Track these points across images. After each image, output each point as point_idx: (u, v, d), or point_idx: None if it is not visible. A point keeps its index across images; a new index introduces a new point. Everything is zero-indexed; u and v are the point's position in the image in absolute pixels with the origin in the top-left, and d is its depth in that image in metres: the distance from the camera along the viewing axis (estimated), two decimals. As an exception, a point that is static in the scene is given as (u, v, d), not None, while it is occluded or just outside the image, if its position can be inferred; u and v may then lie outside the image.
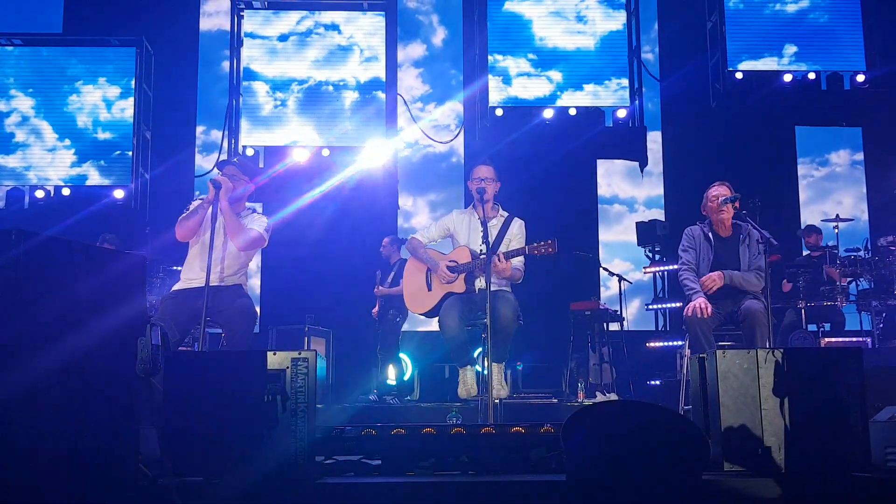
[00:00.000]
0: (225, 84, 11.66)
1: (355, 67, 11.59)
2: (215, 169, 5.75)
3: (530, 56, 11.63)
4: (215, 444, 3.90)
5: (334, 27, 11.70)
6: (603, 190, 12.05)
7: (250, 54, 11.62)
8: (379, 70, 11.59)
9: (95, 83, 11.37)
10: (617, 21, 11.75)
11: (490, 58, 11.60)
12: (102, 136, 11.27)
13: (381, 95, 11.53)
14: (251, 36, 11.65)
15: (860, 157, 12.07)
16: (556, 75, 11.56)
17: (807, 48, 11.63)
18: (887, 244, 8.99)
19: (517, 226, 6.39)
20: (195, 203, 5.78)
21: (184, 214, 5.79)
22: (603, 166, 12.06)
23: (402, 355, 9.69)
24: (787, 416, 4.17)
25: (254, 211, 6.10)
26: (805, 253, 10.01)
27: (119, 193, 11.09)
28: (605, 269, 10.30)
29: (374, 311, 9.45)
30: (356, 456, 4.59)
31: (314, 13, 11.73)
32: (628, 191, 12.42)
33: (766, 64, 11.53)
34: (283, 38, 11.65)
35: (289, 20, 11.71)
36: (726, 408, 4.22)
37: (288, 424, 3.93)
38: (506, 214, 6.41)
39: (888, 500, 3.99)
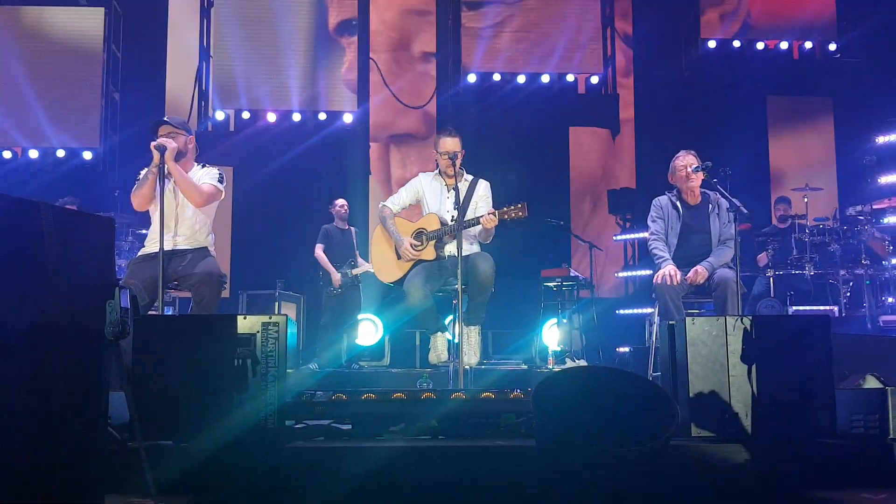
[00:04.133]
0: (194, 46, 11.52)
1: (327, 30, 11.49)
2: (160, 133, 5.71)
3: (502, 20, 11.56)
4: (185, 407, 3.90)
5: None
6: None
7: (220, 15, 11.47)
8: (352, 33, 11.50)
9: (64, 43, 11.20)
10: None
11: (463, 21, 11.53)
12: (71, 97, 11.11)
13: (354, 58, 11.44)
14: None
15: (831, 126, 12.11)
16: (529, 41, 11.50)
17: (778, 17, 11.64)
18: (856, 213, 9.06)
19: (483, 187, 6.40)
20: (144, 172, 5.74)
21: (136, 185, 5.76)
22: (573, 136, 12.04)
23: (373, 318, 9.68)
24: (754, 383, 4.22)
25: (203, 165, 6.06)
26: (773, 223, 10.09)
27: (87, 155, 10.97)
28: (576, 236, 10.33)
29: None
30: (326, 420, 4.60)
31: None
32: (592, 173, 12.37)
33: (739, 33, 11.53)
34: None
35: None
36: (695, 374, 4.26)
37: (258, 388, 3.93)
38: (470, 178, 6.41)
39: (852, 466, 4.05)
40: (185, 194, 5.74)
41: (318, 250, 9.31)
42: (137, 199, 5.76)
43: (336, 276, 9.13)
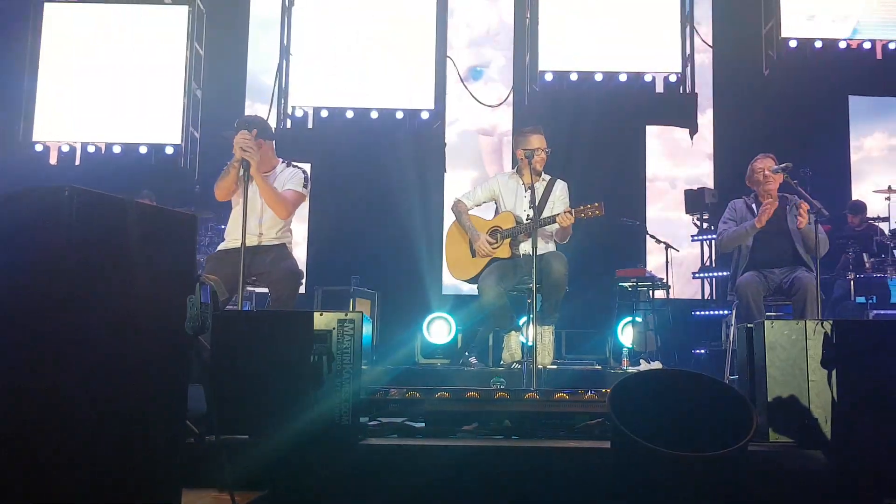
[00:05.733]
0: (276, 44, 11.65)
1: (405, 30, 11.52)
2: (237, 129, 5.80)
3: (579, 18, 11.48)
4: (261, 402, 3.95)
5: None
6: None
7: (302, 14, 11.58)
8: (429, 32, 11.52)
9: (147, 41, 11.40)
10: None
11: (540, 19, 11.47)
12: (153, 94, 11.31)
13: (432, 58, 11.46)
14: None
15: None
16: (607, 39, 11.41)
17: (862, 16, 11.38)
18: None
19: (560, 188, 6.40)
20: (228, 165, 5.84)
21: (220, 176, 5.86)
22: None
23: (446, 316, 9.71)
24: (834, 388, 4.13)
25: (288, 164, 6.13)
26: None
27: (169, 151, 11.17)
28: (652, 236, 10.22)
29: None
30: (400, 418, 4.62)
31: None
32: (670, 169, 12.20)
33: (821, 32, 11.29)
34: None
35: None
36: (773, 379, 4.19)
37: (333, 385, 3.96)
38: (548, 177, 6.41)
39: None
40: (272, 208, 5.85)
41: None
42: (220, 191, 5.87)
43: None
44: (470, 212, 6.50)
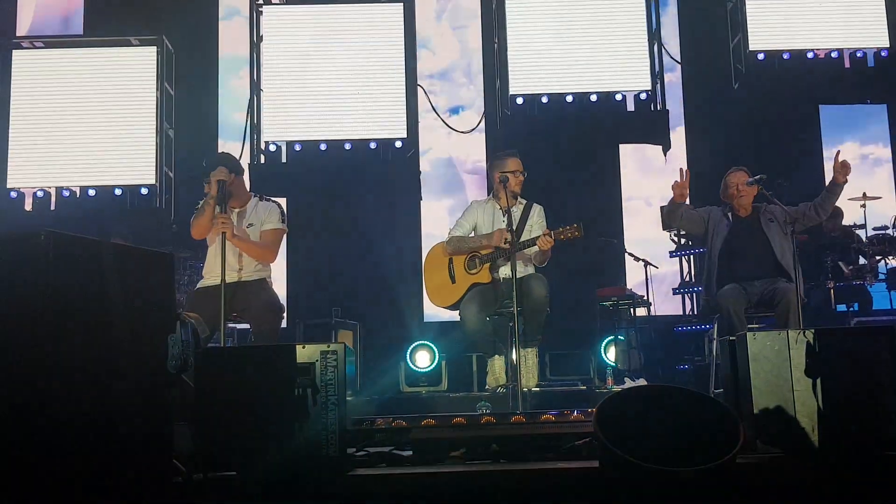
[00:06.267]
0: (246, 81, 11.64)
1: (375, 59, 11.54)
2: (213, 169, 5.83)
3: (548, 42, 11.54)
4: (248, 438, 3.92)
5: (354, 19, 11.65)
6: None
7: (271, 50, 11.59)
8: (399, 61, 11.54)
9: (117, 83, 11.38)
10: (636, 3, 11.64)
11: (508, 44, 11.52)
12: (126, 135, 11.28)
13: (402, 88, 11.48)
14: (271, 31, 11.61)
15: (886, 133, 11.91)
16: (576, 60, 11.46)
17: (829, 26, 11.49)
18: (917, 220, 8.94)
19: (537, 211, 6.42)
20: (202, 202, 5.84)
21: (194, 214, 5.86)
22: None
23: (429, 344, 9.68)
24: (819, 397, 4.16)
25: (261, 198, 6.15)
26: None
27: (144, 192, 11.13)
28: (631, 254, 10.25)
29: None
30: (387, 447, 4.61)
31: (332, 4, 11.67)
32: (645, 186, 12.23)
33: (789, 43, 11.40)
34: (303, 32, 11.60)
35: (309, 12, 11.66)
36: (758, 390, 4.21)
37: (319, 417, 3.94)
38: (524, 201, 6.42)
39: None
40: (259, 260, 5.87)
41: None
42: (196, 229, 5.86)
43: None
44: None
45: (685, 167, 6.59)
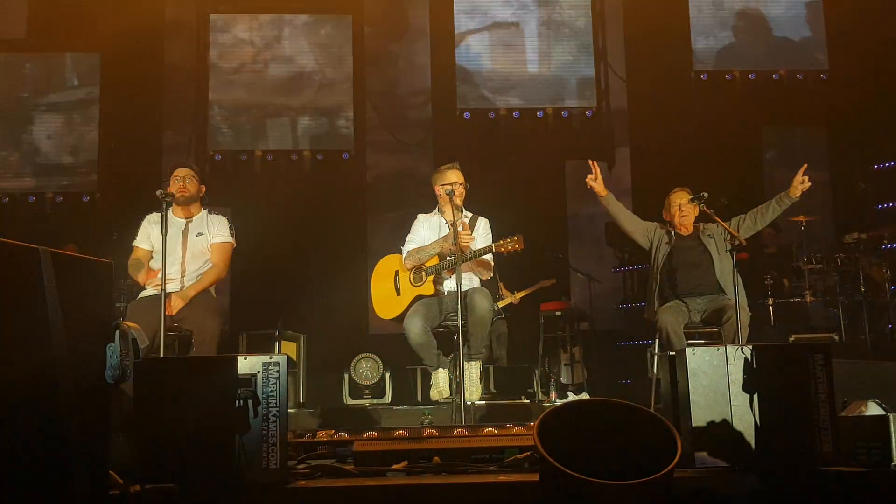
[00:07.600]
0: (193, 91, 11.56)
1: (324, 72, 11.54)
2: (174, 171, 5.86)
3: (495, 58, 11.62)
4: (187, 450, 3.88)
5: (301, 29, 11.64)
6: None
7: (217, 62, 11.52)
8: (347, 74, 11.54)
9: (61, 90, 11.26)
10: (584, 22, 11.76)
11: (457, 60, 11.58)
12: (68, 144, 11.15)
13: (350, 99, 11.47)
14: (217, 40, 11.55)
15: (826, 154, 12.11)
16: (524, 76, 11.55)
17: (772, 48, 11.71)
18: (853, 241, 9.09)
19: (483, 224, 6.44)
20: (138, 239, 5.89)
21: (132, 266, 5.89)
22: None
23: (373, 356, 9.65)
24: (756, 412, 4.21)
25: (210, 211, 6.16)
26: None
27: (86, 200, 10.99)
28: (575, 269, 10.33)
29: None
30: (329, 460, 4.58)
31: (281, 16, 11.65)
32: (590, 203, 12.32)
33: (732, 65, 11.58)
34: (249, 41, 11.56)
35: (255, 23, 11.63)
36: (697, 405, 4.26)
37: (260, 429, 3.91)
38: (470, 214, 6.44)
39: (857, 494, 4.04)
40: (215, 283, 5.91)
41: None
42: (136, 279, 5.93)
43: None
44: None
45: (593, 161, 6.89)
